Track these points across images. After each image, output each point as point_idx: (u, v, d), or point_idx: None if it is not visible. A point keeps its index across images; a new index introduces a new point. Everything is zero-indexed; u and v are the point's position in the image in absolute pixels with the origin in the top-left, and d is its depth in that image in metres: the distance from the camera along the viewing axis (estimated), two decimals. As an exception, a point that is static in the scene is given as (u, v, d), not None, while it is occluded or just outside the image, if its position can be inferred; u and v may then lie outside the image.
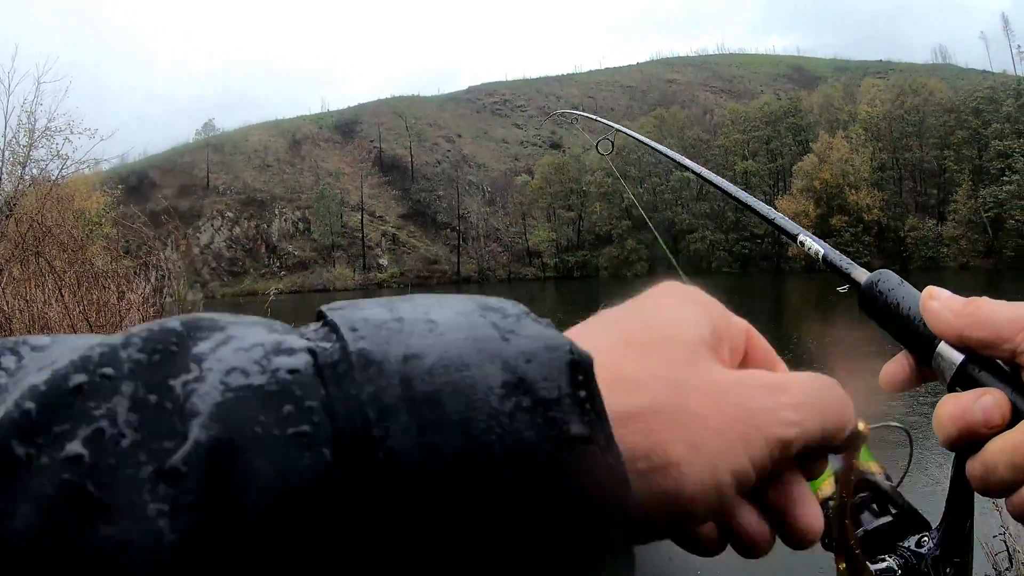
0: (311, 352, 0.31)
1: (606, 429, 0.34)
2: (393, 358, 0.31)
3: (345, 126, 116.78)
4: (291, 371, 0.30)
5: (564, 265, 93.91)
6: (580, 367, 0.34)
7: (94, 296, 10.67)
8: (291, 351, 0.31)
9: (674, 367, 0.41)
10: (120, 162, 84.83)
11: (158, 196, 64.93)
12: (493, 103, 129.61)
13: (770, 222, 1.10)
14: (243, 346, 0.31)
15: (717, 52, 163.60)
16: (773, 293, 60.45)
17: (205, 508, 0.27)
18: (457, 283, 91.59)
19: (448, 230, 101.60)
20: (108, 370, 0.29)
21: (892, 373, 0.68)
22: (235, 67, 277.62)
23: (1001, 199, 67.96)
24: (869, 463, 0.78)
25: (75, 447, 0.27)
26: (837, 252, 0.85)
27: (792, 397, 0.44)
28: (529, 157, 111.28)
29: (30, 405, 0.28)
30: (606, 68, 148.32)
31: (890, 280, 0.68)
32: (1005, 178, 69.32)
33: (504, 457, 0.30)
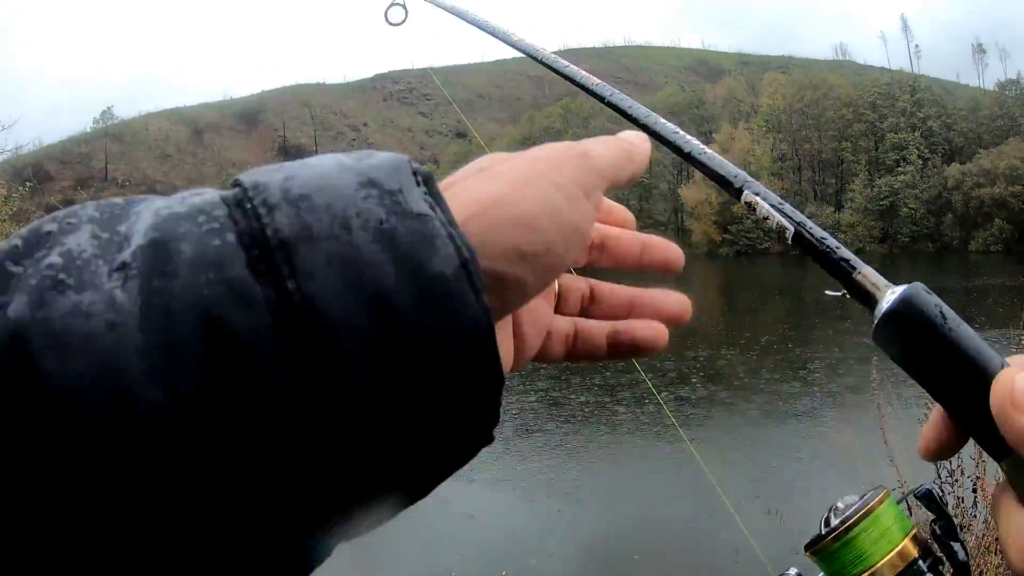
0: (219, 193, 0.41)
1: (444, 208, 0.42)
2: (275, 180, 0.41)
3: (249, 115, 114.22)
4: (203, 201, 0.40)
5: None
6: (420, 172, 0.44)
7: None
8: (203, 193, 0.42)
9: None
10: (13, 153, 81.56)
11: (54, 189, 62.76)
12: (399, 91, 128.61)
13: (702, 166, 0.72)
14: (168, 200, 0.41)
15: (624, 44, 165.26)
16: (675, 277, 60.21)
17: (145, 275, 0.36)
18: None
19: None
20: (71, 219, 0.38)
21: (933, 440, 0.57)
22: (134, 52, 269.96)
23: (896, 188, 71.07)
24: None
25: (51, 258, 0.37)
26: (821, 231, 0.62)
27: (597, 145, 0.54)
28: (435, 147, 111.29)
29: (17, 241, 0.37)
30: (512, 58, 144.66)
31: (945, 315, 0.51)
32: (900, 169, 72.42)
33: (361, 228, 0.39)
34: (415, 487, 0.42)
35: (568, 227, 0.49)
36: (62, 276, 0.36)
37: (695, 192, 76.69)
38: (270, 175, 0.42)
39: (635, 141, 0.60)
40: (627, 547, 9.64)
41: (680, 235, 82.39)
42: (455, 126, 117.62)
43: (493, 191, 0.47)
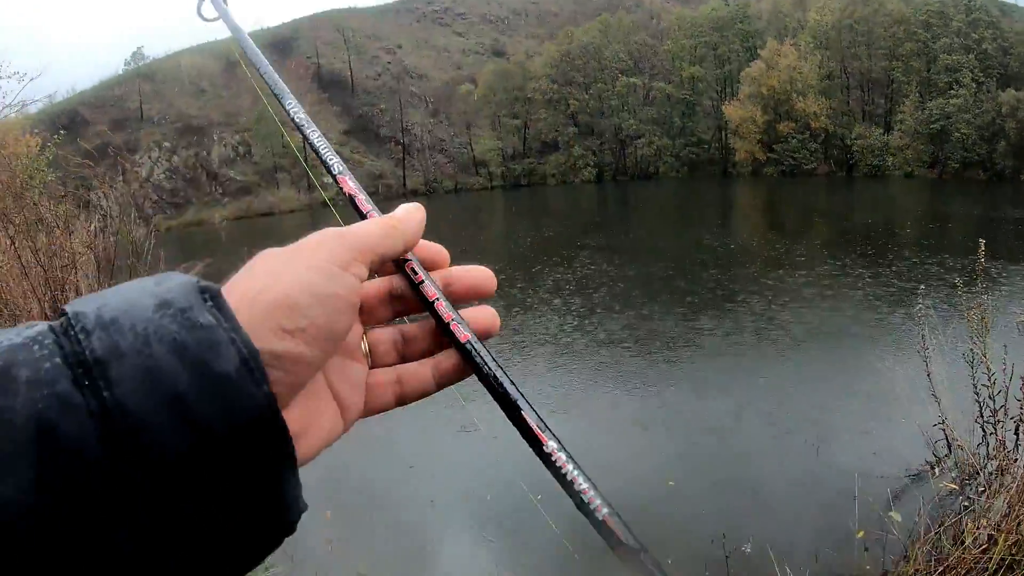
0: (48, 324, 0.49)
1: (228, 316, 0.51)
2: (91, 308, 0.49)
3: (281, 43, 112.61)
4: (36, 332, 0.48)
5: (511, 174, 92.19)
6: (207, 290, 0.52)
7: (43, 240, 10.04)
8: (35, 325, 0.49)
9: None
10: (48, 102, 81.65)
11: (91, 133, 62.51)
12: (433, 11, 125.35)
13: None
14: (7, 333, 0.48)
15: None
16: (720, 196, 60.53)
17: None
18: (404, 196, 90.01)
19: (392, 144, 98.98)
20: None
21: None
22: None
23: (948, 112, 68.36)
24: None
25: None
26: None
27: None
28: (472, 66, 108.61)
29: None
30: None
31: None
32: (952, 92, 69.73)
33: (158, 342, 0.47)
34: (225, 567, 0.47)
35: (327, 299, 0.56)
36: None
37: (739, 110, 74.63)
38: (88, 304, 0.50)
39: (402, 216, 0.67)
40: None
41: (724, 153, 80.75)
42: (492, 44, 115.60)
43: (256, 284, 0.55)
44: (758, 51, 78.03)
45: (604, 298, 20.17)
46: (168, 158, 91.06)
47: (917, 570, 5.88)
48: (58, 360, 0.47)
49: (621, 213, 52.43)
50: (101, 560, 0.42)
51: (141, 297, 0.51)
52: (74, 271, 9.92)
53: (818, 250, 26.77)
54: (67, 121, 77.39)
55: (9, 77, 20.88)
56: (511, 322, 17.35)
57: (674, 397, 12.56)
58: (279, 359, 0.53)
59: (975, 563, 5.51)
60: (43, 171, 17.95)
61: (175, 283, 0.52)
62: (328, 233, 0.62)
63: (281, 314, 0.54)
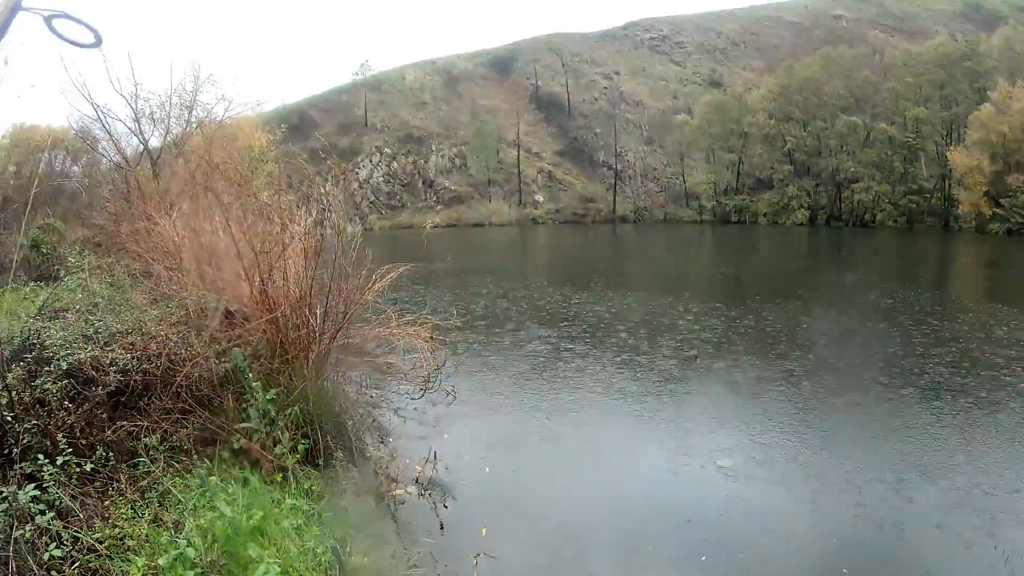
0: None
1: None
2: None
3: (501, 64, 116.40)
4: None
5: (722, 209, 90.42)
6: None
7: (259, 228, 11.17)
8: None
9: None
10: (282, 104, 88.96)
11: (318, 134, 67.01)
12: (651, 39, 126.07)
13: None
14: None
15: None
16: (940, 253, 54.26)
17: None
18: (612, 223, 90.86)
19: (604, 168, 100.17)
20: None
21: None
22: (390, 8, 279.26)
23: None
24: None
25: None
26: None
27: None
28: (688, 96, 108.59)
29: None
30: (768, 3, 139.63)
31: None
32: None
33: None
34: None
35: None
36: None
37: (965, 157, 69.69)
38: None
39: None
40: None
41: (946, 204, 75.84)
42: (709, 75, 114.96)
43: None
44: (988, 93, 71.93)
45: (824, 353, 18.45)
46: (388, 163, 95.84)
47: None
48: None
49: (833, 261, 49.33)
50: None
51: None
52: (283, 258, 10.82)
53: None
54: (297, 121, 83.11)
55: (243, 78, 23.64)
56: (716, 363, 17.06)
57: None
58: None
59: None
60: (268, 164, 19.98)
61: None
62: None
63: None
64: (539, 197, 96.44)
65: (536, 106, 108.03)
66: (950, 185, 75.10)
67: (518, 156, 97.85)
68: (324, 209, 13.78)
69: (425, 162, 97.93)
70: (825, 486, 10.35)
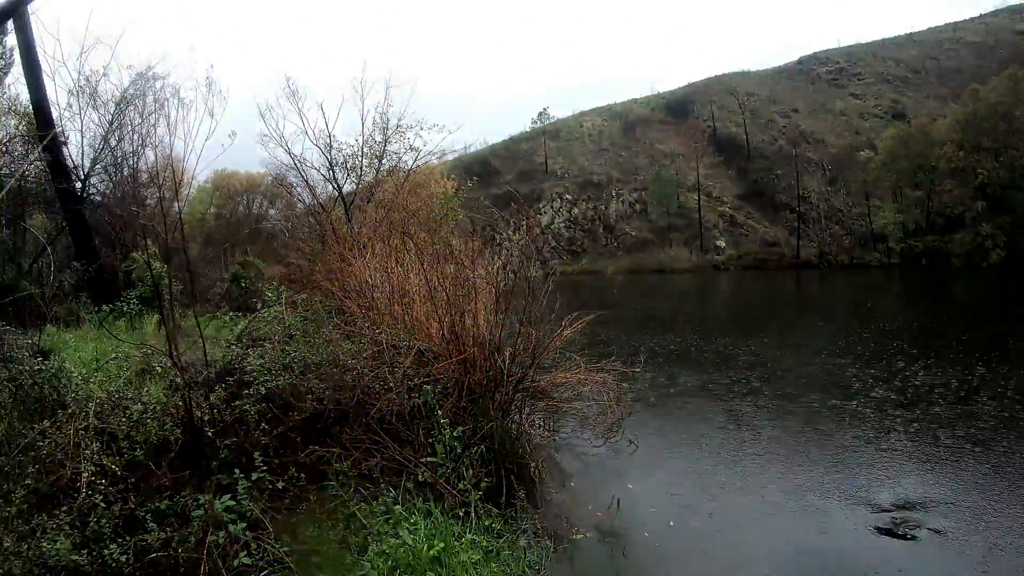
0: None
1: None
2: None
3: (676, 107, 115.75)
4: None
5: (910, 251, 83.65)
6: None
7: (450, 270, 11.56)
8: None
9: None
10: (463, 152, 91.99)
11: (500, 182, 68.57)
12: (827, 72, 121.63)
13: None
14: None
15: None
16: None
17: None
18: (796, 268, 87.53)
19: (787, 211, 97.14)
20: None
21: None
22: (564, 59, 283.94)
23: None
24: None
25: None
26: None
27: None
28: (871, 130, 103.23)
29: None
30: (945, 24, 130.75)
31: None
32: None
33: None
34: None
35: None
36: None
37: None
38: None
39: None
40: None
41: None
42: (891, 106, 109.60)
43: None
44: None
45: None
46: (568, 209, 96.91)
47: None
48: None
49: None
50: None
51: None
52: (474, 301, 11.12)
53: None
54: (480, 170, 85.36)
55: (429, 129, 25.37)
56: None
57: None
58: None
59: None
60: (456, 211, 21.01)
61: None
62: None
63: None
64: (720, 242, 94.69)
65: (715, 148, 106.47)
66: None
67: (699, 200, 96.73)
68: (508, 254, 14.17)
69: (605, 208, 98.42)
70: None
